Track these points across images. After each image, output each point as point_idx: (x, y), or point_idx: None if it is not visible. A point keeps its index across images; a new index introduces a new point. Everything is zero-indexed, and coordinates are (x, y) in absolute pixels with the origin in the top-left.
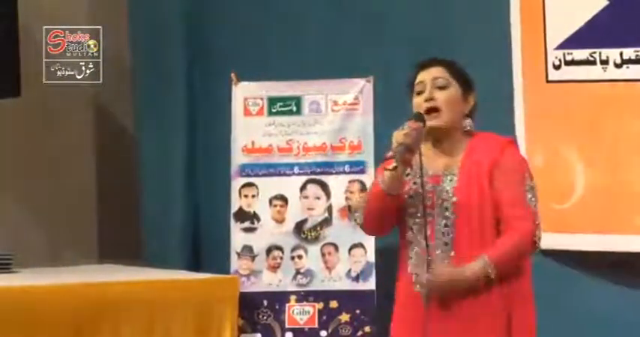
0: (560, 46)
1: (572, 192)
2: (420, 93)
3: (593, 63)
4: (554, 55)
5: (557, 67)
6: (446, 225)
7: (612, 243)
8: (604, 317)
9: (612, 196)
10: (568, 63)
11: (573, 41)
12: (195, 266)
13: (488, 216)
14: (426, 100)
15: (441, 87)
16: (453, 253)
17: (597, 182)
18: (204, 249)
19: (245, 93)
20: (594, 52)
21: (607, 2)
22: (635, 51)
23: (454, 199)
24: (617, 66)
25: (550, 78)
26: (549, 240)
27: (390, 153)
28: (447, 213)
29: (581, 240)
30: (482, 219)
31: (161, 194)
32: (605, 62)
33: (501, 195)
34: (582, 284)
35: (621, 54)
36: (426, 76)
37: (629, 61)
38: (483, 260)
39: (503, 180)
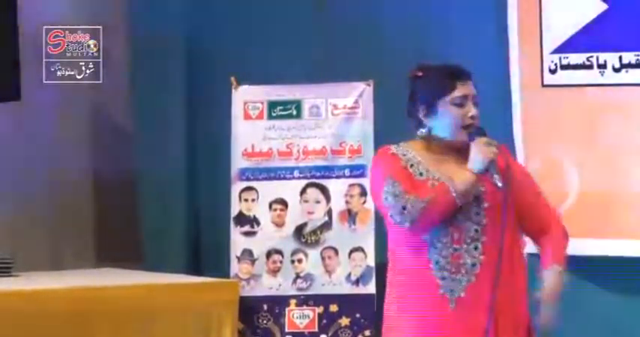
0: (557, 50)
1: (567, 196)
2: (459, 105)
3: (590, 67)
4: (550, 59)
5: (552, 71)
6: (476, 230)
7: (607, 247)
8: (598, 321)
9: (607, 201)
10: (564, 67)
11: (570, 45)
12: (194, 270)
13: (512, 218)
14: (471, 117)
15: (475, 104)
16: (482, 257)
17: (592, 186)
18: (204, 253)
19: (245, 96)
20: (591, 56)
21: (606, 6)
22: (636, 55)
23: (485, 205)
24: (616, 70)
25: (546, 82)
26: None
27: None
28: (477, 218)
29: (576, 244)
30: (508, 222)
31: (161, 197)
32: (602, 66)
33: (531, 198)
34: (577, 289)
35: (620, 58)
36: (467, 91)
37: (629, 65)
38: (558, 271)
39: (525, 184)
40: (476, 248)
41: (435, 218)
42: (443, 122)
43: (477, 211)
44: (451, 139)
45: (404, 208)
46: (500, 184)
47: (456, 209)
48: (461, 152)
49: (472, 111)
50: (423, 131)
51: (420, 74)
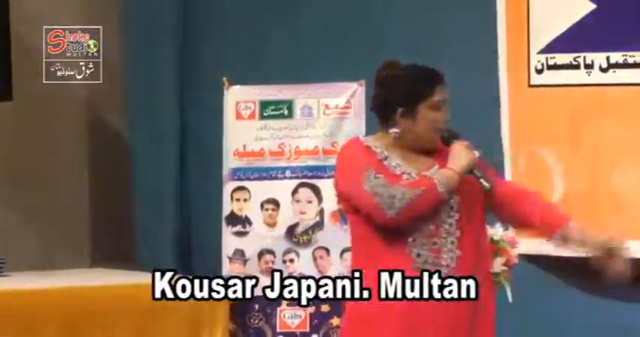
0: (543, 50)
1: (551, 195)
2: (436, 109)
3: (577, 67)
4: (537, 59)
5: (539, 71)
6: (450, 224)
7: None
8: (583, 323)
9: (591, 201)
10: (550, 67)
11: (556, 45)
12: (186, 270)
13: (480, 213)
14: (444, 121)
15: (447, 108)
16: (459, 252)
17: (577, 186)
18: (196, 253)
19: (237, 96)
20: (578, 56)
21: (594, 6)
22: (623, 55)
23: (458, 198)
24: (603, 70)
25: (532, 82)
26: (529, 245)
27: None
28: (452, 213)
29: None
30: (478, 216)
31: (153, 198)
32: (589, 66)
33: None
34: (561, 290)
35: (608, 58)
36: (445, 95)
37: (616, 66)
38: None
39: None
40: (452, 242)
41: (423, 211)
42: (420, 124)
43: (451, 206)
44: (423, 141)
45: (393, 197)
46: (488, 186)
47: (440, 205)
48: (428, 152)
49: (446, 115)
50: (396, 131)
51: (398, 73)
